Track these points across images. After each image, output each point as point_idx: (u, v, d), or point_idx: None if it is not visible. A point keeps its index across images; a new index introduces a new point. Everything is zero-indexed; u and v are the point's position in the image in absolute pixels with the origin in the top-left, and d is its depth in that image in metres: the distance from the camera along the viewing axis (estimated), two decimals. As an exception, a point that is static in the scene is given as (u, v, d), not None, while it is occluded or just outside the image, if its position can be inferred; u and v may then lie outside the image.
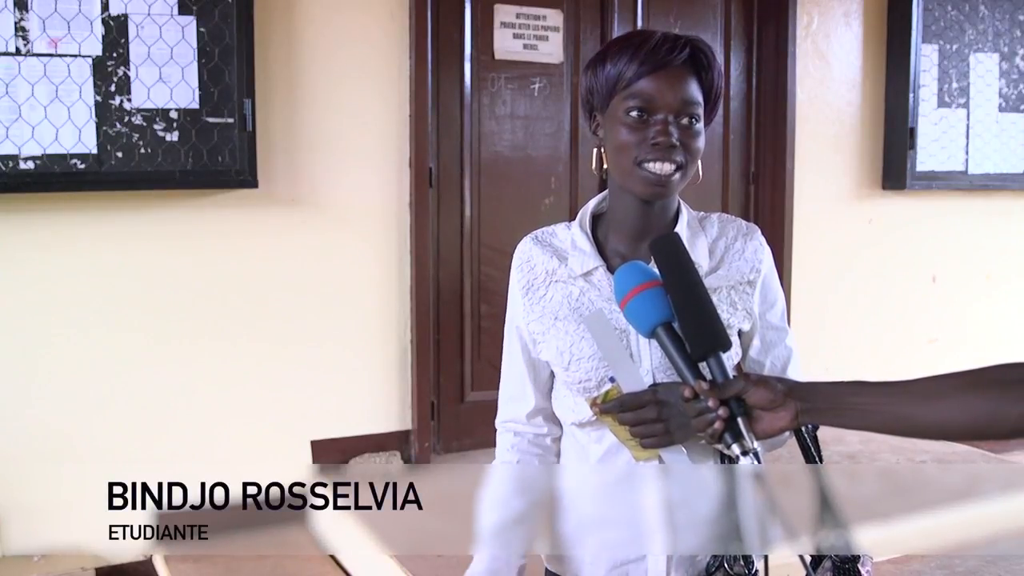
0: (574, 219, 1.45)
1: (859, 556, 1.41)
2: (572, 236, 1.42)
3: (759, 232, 1.45)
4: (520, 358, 1.46)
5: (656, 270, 1.28)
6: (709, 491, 1.37)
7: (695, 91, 1.32)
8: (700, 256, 1.38)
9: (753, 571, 1.37)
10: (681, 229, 1.39)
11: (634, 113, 1.31)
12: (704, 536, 1.39)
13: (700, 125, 1.33)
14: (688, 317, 1.22)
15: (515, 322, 1.46)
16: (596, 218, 1.45)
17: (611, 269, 1.38)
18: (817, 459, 1.39)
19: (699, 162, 1.37)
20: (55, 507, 3.06)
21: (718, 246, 1.42)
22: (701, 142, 1.33)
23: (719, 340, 1.21)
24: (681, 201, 1.43)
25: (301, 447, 3.41)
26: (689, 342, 1.21)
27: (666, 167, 1.30)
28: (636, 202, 1.37)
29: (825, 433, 1.40)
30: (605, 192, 1.45)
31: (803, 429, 1.39)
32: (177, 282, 3.18)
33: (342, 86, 3.36)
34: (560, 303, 1.40)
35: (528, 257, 1.44)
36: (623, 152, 1.33)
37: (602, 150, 1.38)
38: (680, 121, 1.31)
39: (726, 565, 1.36)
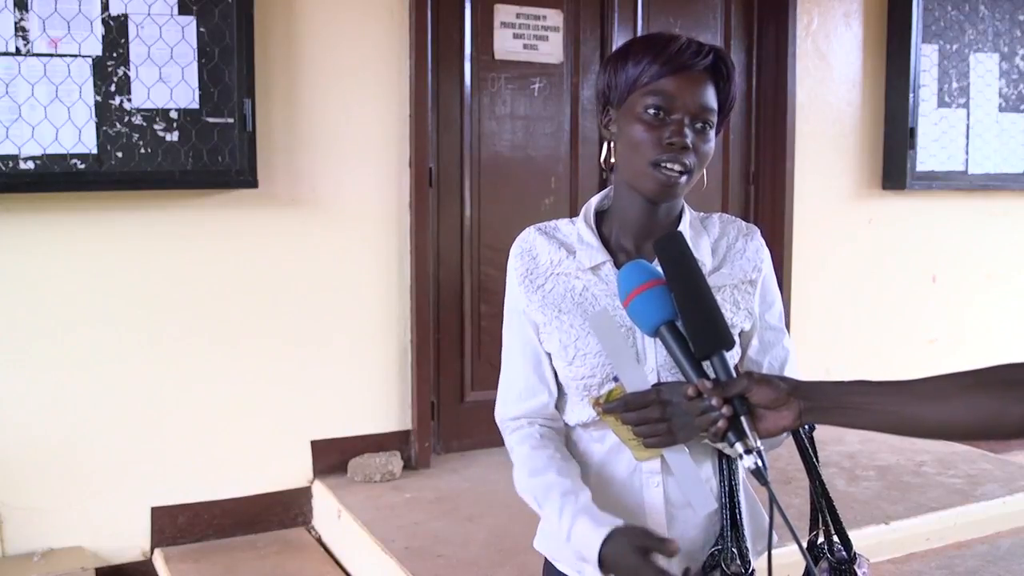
0: (574, 216, 1.45)
1: (856, 557, 1.42)
2: (578, 231, 1.42)
3: (759, 233, 1.46)
4: (532, 346, 1.42)
5: (660, 269, 1.28)
6: (709, 491, 1.37)
7: (712, 98, 1.33)
8: (704, 255, 1.39)
9: (750, 570, 1.37)
10: (684, 229, 1.40)
11: (652, 111, 1.31)
12: (702, 535, 1.39)
13: (712, 132, 1.34)
14: (692, 316, 1.21)
15: (519, 308, 1.43)
16: (599, 215, 1.45)
17: (617, 265, 1.38)
18: (814, 459, 1.40)
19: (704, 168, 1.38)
20: (55, 507, 3.06)
21: (720, 245, 1.42)
22: (711, 148, 1.34)
23: (723, 339, 1.21)
24: (684, 202, 1.43)
25: (301, 447, 3.41)
26: (693, 341, 1.21)
27: (676, 167, 1.31)
28: (642, 201, 1.37)
29: (824, 433, 1.40)
30: (608, 189, 1.45)
31: (800, 429, 1.39)
32: (177, 282, 3.18)
33: (342, 86, 3.36)
34: (563, 296, 1.39)
35: (531, 246, 1.43)
36: (637, 149, 1.32)
37: (612, 145, 1.38)
38: (695, 125, 1.31)
39: (723, 564, 1.36)
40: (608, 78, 1.37)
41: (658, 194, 1.33)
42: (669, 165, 1.30)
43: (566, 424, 1.44)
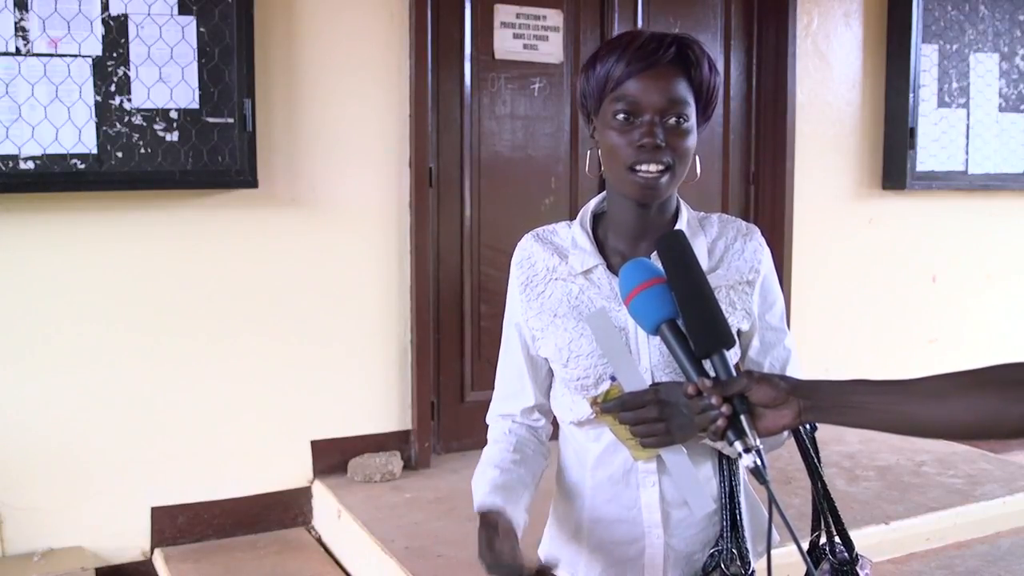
0: (574, 219, 1.45)
1: (857, 558, 1.41)
2: (573, 234, 1.42)
3: (759, 233, 1.45)
4: (520, 355, 1.46)
5: (660, 267, 1.28)
6: (707, 490, 1.37)
7: (682, 90, 1.31)
8: (699, 256, 1.38)
9: (750, 571, 1.37)
10: (680, 228, 1.39)
11: (620, 116, 1.31)
12: (701, 535, 1.39)
13: (689, 124, 1.33)
14: (693, 314, 1.21)
15: (514, 319, 1.46)
16: (597, 217, 1.45)
17: (611, 267, 1.39)
18: (816, 460, 1.39)
19: (697, 160, 1.37)
20: (55, 507, 3.06)
21: (717, 246, 1.42)
22: (690, 141, 1.33)
23: (723, 338, 1.21)
24: (681, 200, 1.43)
25: (301, 447, 3.41)
26: (693, 339, 1.21)
27: (652, 168, 1.30)
28: (632, 204, 1.37)
29: (824, 433, 1.40)
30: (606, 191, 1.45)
31: (802, 429, 1.39)
32: (177, 282, 3.18)
33: (342, 86, 3.36)
34: (559, 300, 1.40)
35: (528, 254, 1.44)
36: (613, 155, 1.33)
37: (599, 152, 1.39)
38: (667, 121, 1.30)
39: (723, 565, 1.36)
40: (582, 86, 1.38)
41: (640, 196, 1.33)
42: (645, 167, 1.30)
43: (564, 422, 1.45)
